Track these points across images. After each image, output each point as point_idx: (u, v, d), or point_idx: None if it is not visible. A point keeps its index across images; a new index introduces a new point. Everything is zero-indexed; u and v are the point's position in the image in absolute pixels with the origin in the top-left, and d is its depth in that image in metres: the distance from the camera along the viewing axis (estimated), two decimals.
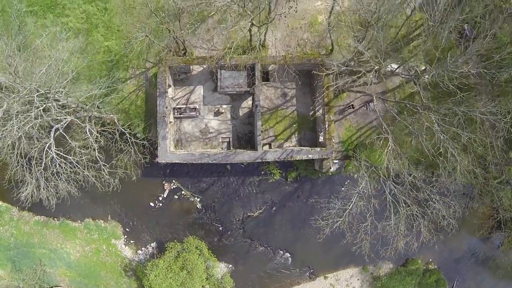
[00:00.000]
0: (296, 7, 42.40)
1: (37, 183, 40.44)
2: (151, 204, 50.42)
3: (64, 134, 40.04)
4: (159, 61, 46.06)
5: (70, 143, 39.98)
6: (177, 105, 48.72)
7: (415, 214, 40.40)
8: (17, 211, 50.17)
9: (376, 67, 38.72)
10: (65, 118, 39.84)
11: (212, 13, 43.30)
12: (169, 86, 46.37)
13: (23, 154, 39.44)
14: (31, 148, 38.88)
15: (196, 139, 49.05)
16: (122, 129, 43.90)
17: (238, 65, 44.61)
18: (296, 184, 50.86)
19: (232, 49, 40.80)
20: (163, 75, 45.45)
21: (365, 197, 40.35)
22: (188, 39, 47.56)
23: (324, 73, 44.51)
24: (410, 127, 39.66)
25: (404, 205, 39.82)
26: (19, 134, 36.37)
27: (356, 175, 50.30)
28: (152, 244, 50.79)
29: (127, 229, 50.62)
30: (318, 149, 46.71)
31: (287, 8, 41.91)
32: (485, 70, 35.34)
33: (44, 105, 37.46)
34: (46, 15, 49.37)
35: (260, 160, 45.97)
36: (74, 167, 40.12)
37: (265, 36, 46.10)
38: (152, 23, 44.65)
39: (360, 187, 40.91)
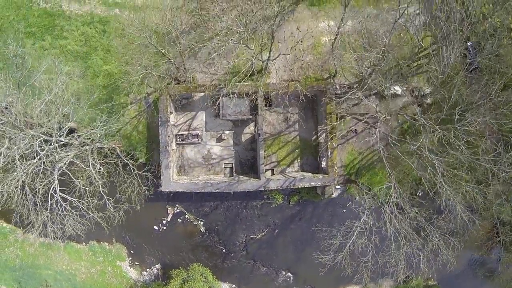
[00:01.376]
0: (302, 55, 42.26)
1: (43, 221, 40.65)
2: (155, 227, 50.94)
3: (68, 172, 39.96)
4: (160, 90, 45.39)
5: (74, 180, 39.96)
6: (179, 131, 48.49)
7: (415, 251, 40.79)
8: (22, 233, 50.53)
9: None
10: (67, 155, 39.70)
11: (214, 49, 42.44)
12: (171, 113, 46.05)
13: (28, 197, 39.50)
14: (35, 190, 38.91)
15: (198, 165, 49.07)
16: (125, 160, 43.79)
17: (240, 93, 44.24)
18: (299, 207, 51.23)
19: (234, 77, 40.56)
20: (165, 104, 45.09)
21: (366, 233, 40.64)
22: (189, 63, 46.89)
23: (327, 99, 44.33)
24: (412, 165, 39.61)
25: (404, 240, 40.22)
26: (23, 178, 36.34)
27: (357, 197, 50.71)
28: (156, 265, 51.54)
29: (132, 251, 51.29)
30: (320, 176, 46.84)
31: (293, 60, 41.68)
32: (492, 120, 34.98)
33: (47, 147, 37.29)
34: (44, 37, 48.41)
35: (263, 189, 46.17)
36: (80, 211, 40.24)
37: (267, 63, 45.40)
38: (151, 52, 43.82)
39: (362, 220, 41.17)
